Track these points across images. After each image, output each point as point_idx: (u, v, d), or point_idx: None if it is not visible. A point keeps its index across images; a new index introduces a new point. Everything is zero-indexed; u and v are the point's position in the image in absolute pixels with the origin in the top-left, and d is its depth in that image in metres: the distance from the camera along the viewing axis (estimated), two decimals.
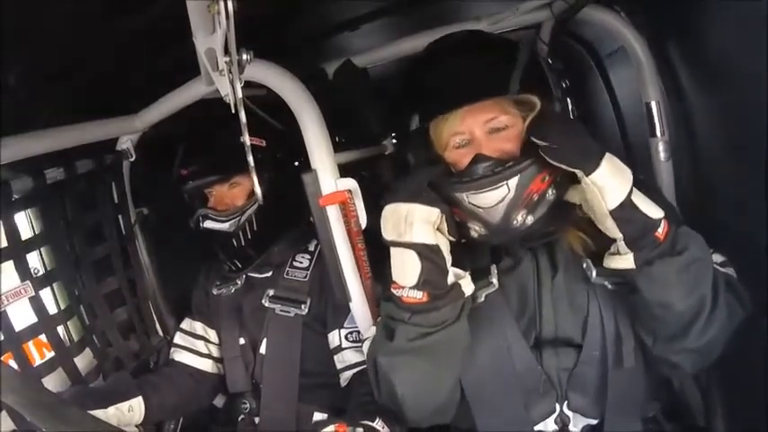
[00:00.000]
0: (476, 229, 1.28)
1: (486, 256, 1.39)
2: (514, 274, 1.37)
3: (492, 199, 1.21)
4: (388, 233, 1.23)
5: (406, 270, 1.21)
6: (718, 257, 1.30)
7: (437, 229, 1.22)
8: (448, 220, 1.24)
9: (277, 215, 1.78)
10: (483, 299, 1.32)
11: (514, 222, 1.23)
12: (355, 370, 1.72)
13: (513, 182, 1.20)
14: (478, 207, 1.23)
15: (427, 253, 1.19)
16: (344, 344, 1.73)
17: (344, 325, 1.74)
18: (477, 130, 1.29)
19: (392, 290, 1.27)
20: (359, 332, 1.67)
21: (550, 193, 1.25)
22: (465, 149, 1.30)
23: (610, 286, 1.30)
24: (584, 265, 1.31)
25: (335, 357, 1.76)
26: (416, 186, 1.23)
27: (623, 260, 1.19)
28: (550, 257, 1.37)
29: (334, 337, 1.75)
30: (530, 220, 1.24)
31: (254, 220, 1.74)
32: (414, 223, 1.19)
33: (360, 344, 1.70)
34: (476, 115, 1.28)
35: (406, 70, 1.47)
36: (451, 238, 1.26)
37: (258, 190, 1.25)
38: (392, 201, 1.23)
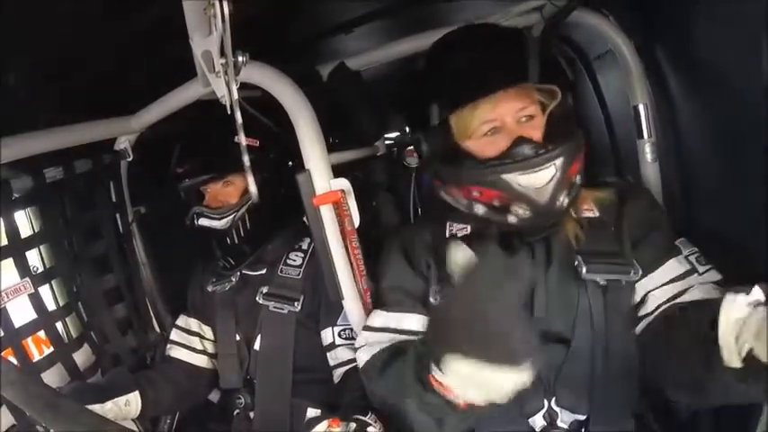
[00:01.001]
0: (518, 213, 1.27)
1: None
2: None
3: (543, 179, 1.22)
4: (469, 394, 0.99)
5: (482, 395, 0.96)
6: (714, 275, 1.30)
7: None
8: (504, 207, 1.24)
9: (270, 214, 1.80)
10: None
11: (557, 203, 1.25)
12: (348, 367, 1.73)
13: (560, 162, 1.22)
14: (528, 188, 1.23)
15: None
16: (338, 341, 1.74)
17: (337, 323, 1.74)
18: (508, 117, 1.30)
19: (446, 396, 1.02)
20: (352, 329, 1.67)
21: (578, 179, 1.29)
22: (495, 137, 1.31)
23: (602, 282, 1.31)
24: (576, 262, 1.32)
25: (329, 354, 1.77)
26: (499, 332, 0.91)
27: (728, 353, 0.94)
28: (546, 252, 1.37)
29: (327, 335, 1.76)
30: (566, 202, 1.27)
31: (248, 218, 1.76)
32: (511, 389, 0.91)
33: (353, 341, 1.72)
34: (508, 103, 1.29)
35: (427, 61, 1.47)
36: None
37: (253, 188, 1.27)
38: (471, 356, 0.91)
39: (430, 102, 1.39)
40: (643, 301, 1.32)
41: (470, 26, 1.51)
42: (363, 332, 1.46)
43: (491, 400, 0.95)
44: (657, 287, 1.30)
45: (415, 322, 1.41)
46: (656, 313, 1.29)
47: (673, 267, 1.31)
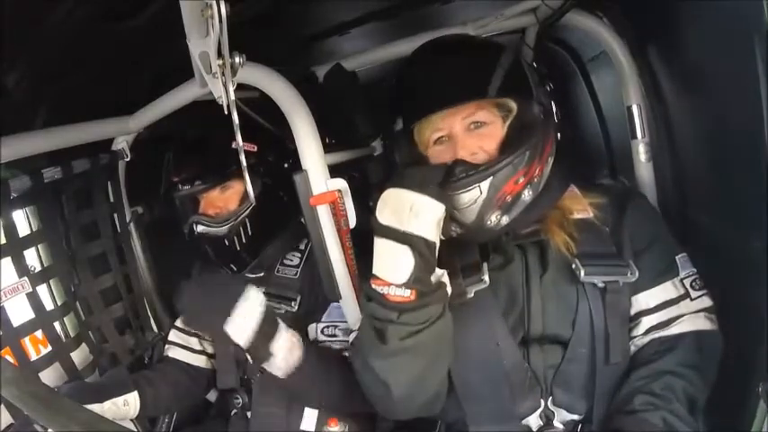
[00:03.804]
0: (452, 229, 1.31)
1: (476, 252, 1.39)
2: (504, 271, 1.38)
3: (465, 200, 1.25)
4: (385, 217, 1.19)
5: (396, 266, 1.17)
6: (705, 302, 1.33)
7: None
8: (445, 220, 1.22)
9: (270, 218, 1.80)
10: (472, 295, 1.32)
11: (488, 223, 1.27)
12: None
13: (486, 184, 1.24)
14: (453, 208, 1.26)
15: (423, 249, 1.16)
16: (320, 337, 1.74)
17: (322, 319, 1.75)
18: (456, 126, 1.33)
19: (374, 287, 1.22)
20: (336, 326, 1.71)
21: (526, 194, 1.29)
22: (444, 146, 1.35)
23: (600, 284, 1.32)
24: (573, 266, 1.32)
25: None
26: (425, 179, 1.20)
27: None
28: (541, 256, 1.38)
29: (311, 331, 1.76)
30: (505, 220, 1.28)
31: (248, 224, 1.75)
32: (419, 215, 1.15)
33: (335, 338, 1.73)
34: (456, 114, 1.32)
35: (396, 73, 1.50)
36: (442, 237, 1.25)
37: (251, 191, 1.28)
38: (398, 185, 1.19)
39: (393, 113, 1.43)
40: (635, 321, 1.35)
41: (442, 38, 1.55)
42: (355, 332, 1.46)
43: (407, 221, 1.15)
44: (650, 309, 1.34)
45: None
46: (645, 340, 1.33)
47: (667, 290, 1.34)
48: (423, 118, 1.35)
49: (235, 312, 1.42)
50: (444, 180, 1.25)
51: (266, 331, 1.46)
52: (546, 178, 1.34)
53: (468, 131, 1.33)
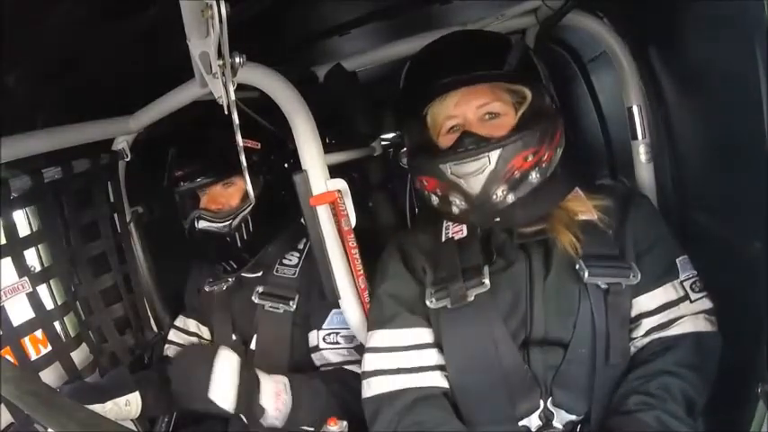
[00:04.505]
0: (457, 203, 1.32)
1: (478, 255, 1.39)
2: (507, 274, 1.37)
3: (472, 168, 1.27)
4: None
5: None
6: (705, 304, 1.33)
7: None
8: (450, 193, 1.31)
9: (271, 216, 1.80)
10: (472, 298, 1.32)
11: (494, 197, 1.29)
12: (332, 368, 1.75)
13: (495, 155, 1.26)
14: (459, 177, 1.28)
15: None
16: (322, 345, 1.75)
17: (323, 326, 1.75)
18: (469, 114, 1.35)
19: None
20: (337, 333, 1.71)
21: (534, 176, 1.30)
22: (458, 134, 1.35)
23: (603, 285, 1.31)
24: (577, 266, 1.31)
25: (313, 356, 1.77)
26: None
27: None
28: (545, 256, 1.37)
29: (313, 338, 1.77)
30: (510, 198, 1.29)
31: (250, 221, 1.75)
32: None
33: (337, 345, 1.73)
34: (470, 100, 1.34)
35: (410, 63, 1.52)
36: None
37: (250, 189, 1.28)
38: None
39: (407, 98, 1.46)
40: (636, 323, 1.35)
41: (457, 31, 1.57)
42: (367, 355, 1.44)
43: None
44: (651, 311, 1.34)
45: (414, 337, 1.41)
46: (645, 341, 1.33)
47: (667, 292, 1.34)
48: (438, 98, 1.36)
49: (213, 379, 1.46)
50: (451, 150, 1.28)
51: (249, 387, 1.51)
52: (554, 167, 1.36)
53: (482, 121, 1.35)
